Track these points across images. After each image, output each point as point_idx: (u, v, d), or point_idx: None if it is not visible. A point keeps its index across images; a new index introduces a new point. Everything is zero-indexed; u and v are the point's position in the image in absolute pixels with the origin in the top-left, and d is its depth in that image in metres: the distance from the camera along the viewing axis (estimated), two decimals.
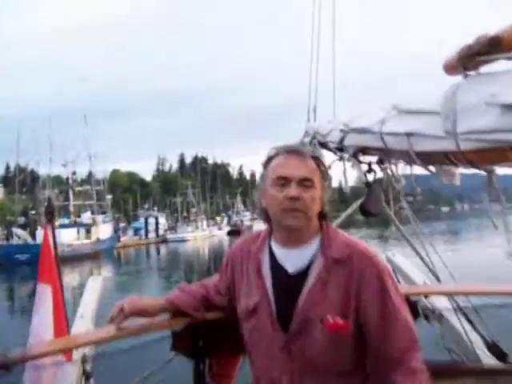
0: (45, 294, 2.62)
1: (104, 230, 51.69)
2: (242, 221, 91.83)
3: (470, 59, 1.45)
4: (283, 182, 1.74)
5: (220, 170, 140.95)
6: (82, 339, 2.24)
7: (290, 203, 1.71)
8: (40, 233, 39.05)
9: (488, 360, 2.65)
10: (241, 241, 2.03)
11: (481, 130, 1.32)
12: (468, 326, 2.79)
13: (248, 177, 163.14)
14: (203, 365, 2.21)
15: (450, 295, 2.78)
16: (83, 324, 2.88)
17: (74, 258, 36.02)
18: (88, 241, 46.65)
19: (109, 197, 67.29)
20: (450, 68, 1.56)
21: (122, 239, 60.37)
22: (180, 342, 2.18)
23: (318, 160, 1.82)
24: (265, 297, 1.80)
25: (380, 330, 1.71)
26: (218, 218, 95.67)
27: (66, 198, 55.25)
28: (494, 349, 2.71)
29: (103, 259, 43.00)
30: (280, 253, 1.82)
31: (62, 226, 42.95)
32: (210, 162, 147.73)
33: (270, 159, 1.84)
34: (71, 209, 53.78)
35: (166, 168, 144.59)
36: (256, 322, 1.82)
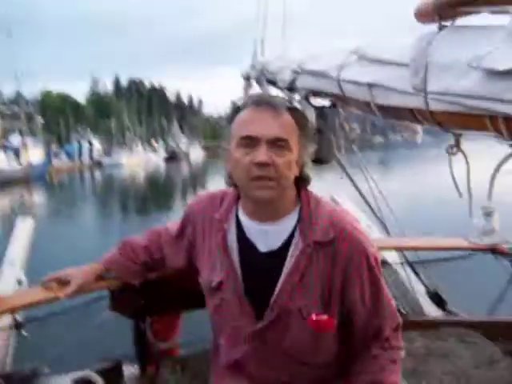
0: None
1: (35, 154, 49.22)
2: (178, 145, 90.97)
3: (448, 9, 1.32)
4: (250, 142, 1.39)
5: (157, 94, 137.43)
6: (13, 301, 2.02)
7: (257, 170, 1.37)
8: None
9: (430, 309, 2.74)
10: (201, 202, 1.69)
11: (457, 93, 1.21)
12: (414, 278, 2.84)
13: (186, 102, 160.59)
14: (143, 324, 2.10)
15: (400, 250, 2.78)
16: (13, 272, 2.68)
17: (4, 183, 34.68)
18: (18, 165, 44.79)
19: (40, 118, 64.24)
20: (423, 15, 1.42)
21: (54, 163, 58.38)
22: (119, 302, 2.03)
23: (296, 113, 1.46)
24: (232, 275, 1.52)
25: (369, 319, 1.51)
26: (154, 143, 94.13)
27: None
28: (435, 298, 2.80)
29: (35, 184, 41.70)
30: (249, 227, 1.52)
31: None
32: (147, 84, 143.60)
33: (235, 112, 1.47)
34: None
35: (101, 90, 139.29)
36: (221, 301, 1.56)
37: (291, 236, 1.47)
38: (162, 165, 70.52)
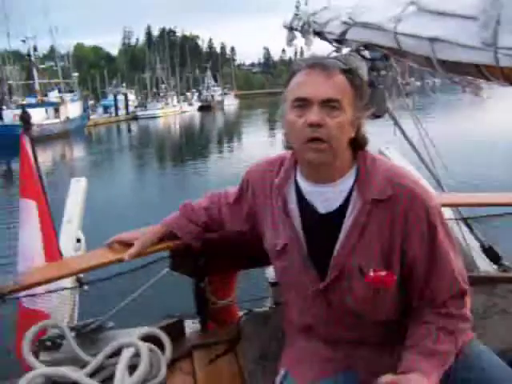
0: (29, 211, 2.48)
1: (73, 109, 49.79)
2: (212, 96, 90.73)
3: None
4: (303, 104, 1.41)
5: (189, 43, 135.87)
6: (77, 264, 2.12)
7: (311, 131, 1.39)
8: (7, 113, 37.92)
9: (485, 265, 2.71)
10: (260, 168, 1.73)
11: None
12: (468, 234, 2.80)
13: (218, 50, 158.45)
14: (203, 282, 2.16)
15: (454, 206, 2.73)
16: (71, 230, 2.78)
17: (45, 139, 35.40)
18: (57, 120, 45.40)
19: (75, 74, 64.68)
20: None
21: (91, 117, 58.96)
22: (180, 262, 2.12)
23: (350, 73, 1.44)
24: (294, 238, 1.56)
25: (428, 277, 1.49)
26: (189, 94, 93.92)
27: (29, 76, 52.87)
28: (490, 254, 2.76)
29: (74, 138, 42.47)
30: (308, 190, 1.54)
31: (29, 106, 41.56)
32: (179, 34, 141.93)
33: (291, 76, 1.49)
34: (37, 87, 51.69)
35: (133, 42, 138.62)
36: (286, 263, 1.60)
37: (349, 195, 1.49)
38: (197, 115, 70.70)
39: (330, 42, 2.70)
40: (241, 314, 2.25)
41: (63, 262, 2.28)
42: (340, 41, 2.53)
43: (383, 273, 1.46)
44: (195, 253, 2.06)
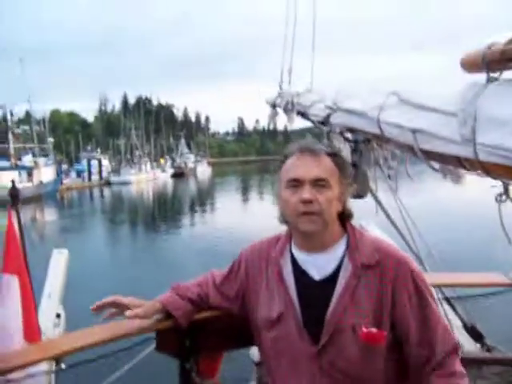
0: (11, 286, 2.44)
1: (46, 173, 50.18)
2: (185, 163, 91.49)
3: (499, 63, 1.35)
4: (296, 184, 1.63)
5: (164, 111, 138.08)
6: (58, 346, 2.06)
7: (303, 207, 1.60)
8: None
9: (468, 345, 2.74)
10: (256, 246, 1.88)
11: (511, 149, 1.23)
12: (451, 314, 2.85)
13: (193, 118, 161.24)
14: (189, 363, 2.13)
15: (437, 286, 2.79)
16: (52, 305, 2.72)
17: None
18: (30, 184, 45.17)
19: (51, 139, 64.83)
20: (471, 66, 1.44)
21: (64, 182, 58.90)
22: (166, 343, 2.09)
23: (334, 156, 1.69)
24: (290, 305, 1.67)
25: (421, 335, 1.62)
26: (162, 161, 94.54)
27: (4, 140, 52.80)
28: (473, 333, 2.80)
29: (46, 202, 42.15)
30: (303, 258, 1.70)
31: (2, 169, 41.46)
32: (154, 102, 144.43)
33: (284, 159, 1.71)
34: (11, 151, 51.59)
35: (109, 109, 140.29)
36: (280, 331, 1.69)
37: (341, 262, 1.66)
38: (170, 181, 70.93)
39: (313, 122, 2.82)
40: None
41: (43, 344, 2.20)
42: (323, 122, 2.64)
43: (374, 330, 1.58)
44: (180, 333, 2.04)
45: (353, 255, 1.64)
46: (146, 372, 2.25)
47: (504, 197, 1.49)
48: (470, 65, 1.43)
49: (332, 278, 1.64)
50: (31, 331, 2.42)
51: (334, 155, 1.70)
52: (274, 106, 3.81)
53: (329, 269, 1.65)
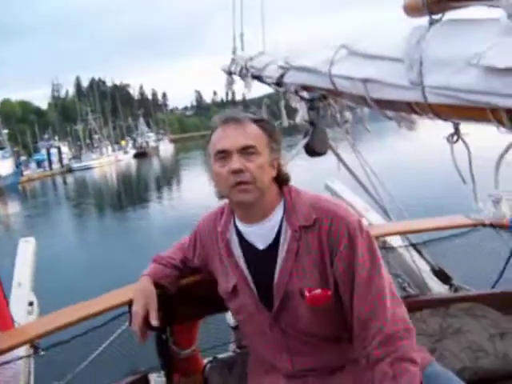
0: None
1: (4, 166, 49.32)
2: (147, 142, 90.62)
3: (438, 3, 1.36)
4: (223, 155, 1.59)
5: (120, 92, 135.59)
6: (33, 330, 2.04)
7: (234, 177, 1.56)
8: None
9: (437, 286, 2.83)
10: (206, 220, 1.87)
11: (456, 88, 1.26)
12: (418, 259, 2.93)
13: (150, 96, 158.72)
14: (165, 333, 2.14)
15: (403, 233, 2.86)
16: (23, 293, 2.70)
17: None
18: None
19: (5, 131, 63.12)
20: (412, 10, 1.46)
21: (25, 173, 57.83)
22: None
23: (261, 122, 1.64)
24: (241, 277, 1.69)
25: (355, 303, 1.55)
26: (123, 142, 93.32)
27: None
28: (441, 275, 2.89)
29: (8, 196, 41.29)
30: (246, 230, 1.69)
31: None
32: (109, 84, 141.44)
33: (211, 133, 1.68)
34: None
35: (62, 94, 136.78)
36: (239, 302, 1.72)
37: (280, 227, 1.63)
38: (133, 162, 70.23)
39: (268, 84, 2.81)
40: (205, 361, 2.24)
41: (17, 329, 2.18)
42: (278, 83, 2.64)
43: (318, 291, 1.57)
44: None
45: (290, 219, 1.62)
46: (123, 347, 2.26)
47: (455, 137, 1.53)
48: (411, 9, 1.45)
49: (274, 245, 1.64)
50: (3, 321, 2.39)
51: (261, 121, 1.65)
52: (229, 73, 3.78)
53: (271, 236, 1.64)
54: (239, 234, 1.71)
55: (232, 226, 1.74)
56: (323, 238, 1.57)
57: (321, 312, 1.60)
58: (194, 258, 1.92)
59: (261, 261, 1.66)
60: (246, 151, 1.58)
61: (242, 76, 3.30)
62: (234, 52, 3.79)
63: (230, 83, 3.80)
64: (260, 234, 1.66)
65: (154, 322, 1.77)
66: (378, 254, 1.60)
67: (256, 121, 1.63)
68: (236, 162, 1.56)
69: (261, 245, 1.66)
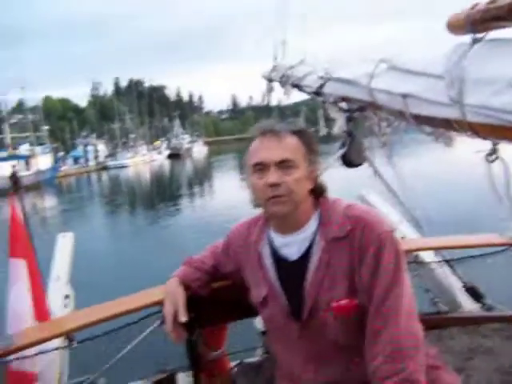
0: (19, 270, 2.50)
1: (44, 161, 50.57)
2: (181, 144, 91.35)
3: (482, 22, 1.37)
4: (261, 167, 1.61)
5: (157, 93, 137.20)
6: (69, 323, 2.13)
7: (271, 191, 1.58)
8: None
9: (469, 304, 2.81)
10: (239, 227, 1.91)
11: (496, 108, 1.26)
12: (451, 275, 2.90)
13: (186, 98, 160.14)
14: (195, 335, 2.19)
15: (436, 249, 2.85)
16: (60, 287, 2.80)
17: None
18: (28, 172, 45.37)
19: (45, 127, 64.81)
20: (456, 27, 1.46)
21: (62, 169, 59.21)
22: None
23: (299, 133, 1.66)
24: (272, 289, 1.71)
25: (374, 312, 1.54)
26: (158, 143, 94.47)
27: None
28: (473, 293, 2.86)
29: (45, 190, 42.41)
30: (279, 241, 1.71)
31: (0, 160, 41.82)
32: (147, 84, 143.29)
33: (249, 144, 1.69)
34: (8, 141, 51.71)
35: (101, 93, 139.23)
36: (269, 312, 1.75)
37: (313, 239, 1.65)
38: (166, 163, 70.99)
39: (308, 93, 2.84)
40: (232, 364, 2.27)
41: (55, 321, 2.28)
42: (318, 93, 2.66)
43: (344, 301, 1.57)
44: (186, 306, 2.09)
45: (323, 230, 1.63)
46: (154, 345, 2.31)
47: (493, 156, 1.52)
48: (455, 26, 1.45)
49: (306, 256, 1.65)
50: (41, 312, 2.49)
51: (299, 132, 1.66)
52: (270, 80, 3.82)
53: (303, 247, 1.66)
54: (271, 244, 1.73)
55: (265, 236, 1.76)
56: (354, 247, 1.57)
57: (349, 322, 1.60)
58: (226, 264, 1.95)
59: (291, 271, 1.67)
60: (284, 165, 1.59)
61: (282, 83, 3.34)
62: (275, 59, 3.82)
63: (270, 90, 3.84)
64: (293, 245, 1.67)
65: (183, 318, 1.81)
66: (402, 269, 1.57)
67: (294, 132, 1.65)
68: (273, 176, 1.58)
69: (293, 255, 1.67)
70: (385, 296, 1.52)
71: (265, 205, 1.64)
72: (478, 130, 1.44)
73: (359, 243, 1.57)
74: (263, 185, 1.60)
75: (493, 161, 1.52)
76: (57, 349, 2.30)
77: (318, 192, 1.70)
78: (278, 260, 1.71)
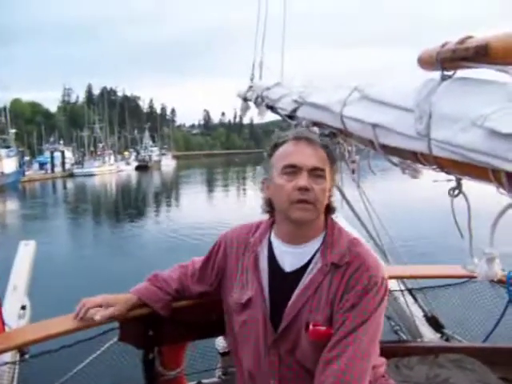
0: None
1: (8, 165, 49.91)
2: (150, 156, 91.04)
3: (451, 62, 1.41)
4: (293, 170, 1.63)
5: (129, 103, 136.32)
6: (22, 336, 2.06)
7: (299, 194, 1.60)
8: None
9: (428, 333, 2.85)
10: (236, 231, 1.89)
11: (460, 145, 1.29)
12: (413, 305, 2.95)
13: (159, 111, 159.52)
14: (152, 353, 2.16)
15: (400, 278, 2.89)
16: (17, 297, 2.72)
17: None
18: None
19: (12, 131, 63.65)
20: (426, 63, 1.51)
21: (27, 173, 58.27)
22: (129, 333, 2.10)
23: (328, 149, 1.72)
24: (260, 292, 1.71)
25: (332, 345, 1.56)
26: (126, 153, 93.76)
27: None
28: (433, 323, 2.91)
29: (8, 193, 41.66)
30: (279, 249, 1.72)
31: None
32: (120, 94, 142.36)
33: (276, 146, 1.72)
34: None
35: (73, 99, 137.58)
36: (248, 316, 1.73)
37: (313, 257, 1.67)
38: (134, 174, 70.47)
39: (281, 116, 2.87)
40: None
41: (6, 334, 2.20)
42: (291, 116, 2.69)
43: (323, 328, 1.58)
44: (144, 324, 2.07)
45: (325, 252, 1.65)
46: (110, 362, 2.26)
47: (457, 191, 1.56)
48: (425, 62, 1.49)
49: (301, 272, 1.66)
50: None
51: (327, 148, 1.72)
52: (245, 99, 3.84)
53: (301, 262, 1.67)
54: (270, 250, 1.73)
55: (266, 241, 1.76)
56: (344, 279, 1.59)
57: (320, 348, 1.59)
58: (211, 269, 1.92)
59: (283, 282, 1.68)
60: (315, 173, 1.63)
61: (257, 104, 3.37)
62: (251, 79, 3.85)
63: (245, 109, 3.86)
64: (292, 257, 1.69)
65: (98, 316, 1.85)
66: (377, 316, 1.59)
67: (324, 146, 1.70)
68: (305, 180, 1.60)
69: (288, 267, 1.69)
70: (348, 333, 1.54)
71: (288, 208, 1.63)
72: (442, 165, 1.48)
73: (349, 278, 1.59)
74: (292, 187, 1.61)
75: (456, 195, 1.57)
76: (6, 363, 2.22)
77: (329, 210, 1.74)
78: (273, 266, 1.72)
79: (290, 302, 1.64)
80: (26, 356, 2.24)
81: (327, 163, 1.68)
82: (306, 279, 1.64)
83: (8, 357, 2.24)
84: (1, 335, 2.29)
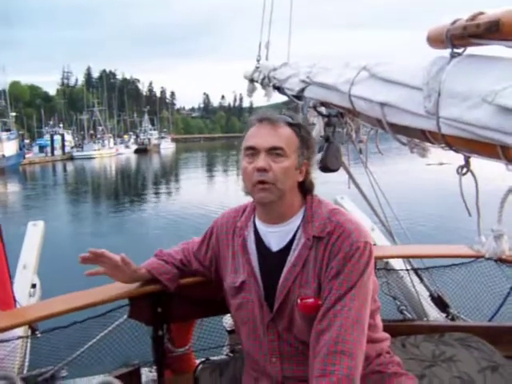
0: None
1: (8, 147, 50.12)
2: (149, 139, 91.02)
3: (461, 39, 1.41)
4: (252, 152, 1.67)
5: (129, 87, 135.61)
6: (32, 313, 2.08)
7: (258, 175, 1.63)
8: None
9: (434, 313, 2.87)
10: (225, 215, 1.93)
11: (469, 123, 1.29)
12: (418, 284, 2.96)
13: (158, 94, 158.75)
14: (161, 330, 2.19)
15: (406, 258, 2.90)
16: (27, 276, 2.75)
17: None
18: None
19: (12, 114, 63.53)
20: (435, 41, 1.50)
21: (27, 156, 58.36)
22: (138, 310, 2.14)
23: (295, 126, 1.70)
24: (251, 275, 1.74)
25: (321, 315, 1.58)
26: (126, 137, 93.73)
27: None
28: (438, 302, 2.93)
29: (9, 176, 41.79)
30: (263, 230, 1.76)
31: None
32: (119, 77, 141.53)
33: (246, 131, 1.75)
34: None
35: (72, 82, 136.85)
36: (243, 299, 1.77)
37: (296, 233, 1.70)
38: (133, 157, 70.57)
39: (288, 96, 2.86)
40: (198, 362, 2.28)
41: (17, 310, 2.23)
42: (298, 96, 2.69)
43: (310, 300, 1.61)
44: (153, 301, 2.10)
45: (306, 227, 1.67)
46: (120, 339, 2.30)
47: (465, 169, 1.57)
48: (434, 40, 1.48)
49: (286, 250, 1.69)
50: (6, 301, 2.45)
51: (296, 125, 1.71)
52: (251, 80, 3.82)
53: (285, 241, 1.70)
54: (256, 232, 1.77)
55: (251, 223, 1.79)
56: (327, 250, 1.61)
57: (312, 321, 1.61)
58: (202, 254, 1.97)
59: (272, 262, 1.71)
60: (274, 152, 1.64)
61: (264, 85, 3.36)
62: (258, 60, 3.82)
63: (252, 90, 3.84)
64: (276, 236, 1.71)
65: (102, 270, 1.91)
66: (363, 281, 1.59)
67: (291, 124, 1.70)
68: (262, 161, 1.62)
69: (274, 247, 1.72)
70: (336, 301, 1.56)
71: (252, 190, 1.68)
72: (451, 143, 1.49)
73: (332, 247, 1.61)
74: (252, 168, 1.64)
75: (464, 173, 1.57)
76: (19, 338, 2.26)
77: (306, 188, 1.75)
78: (261, 248, 1.75)
79: (281, 281, 1.67)
80: (37, 332, 2.28)
81: (292, 141, 1.68)
82: (292, 256, 1.67)
83: (20, 333, 2.28)
84: (12, 311, 2.34)
